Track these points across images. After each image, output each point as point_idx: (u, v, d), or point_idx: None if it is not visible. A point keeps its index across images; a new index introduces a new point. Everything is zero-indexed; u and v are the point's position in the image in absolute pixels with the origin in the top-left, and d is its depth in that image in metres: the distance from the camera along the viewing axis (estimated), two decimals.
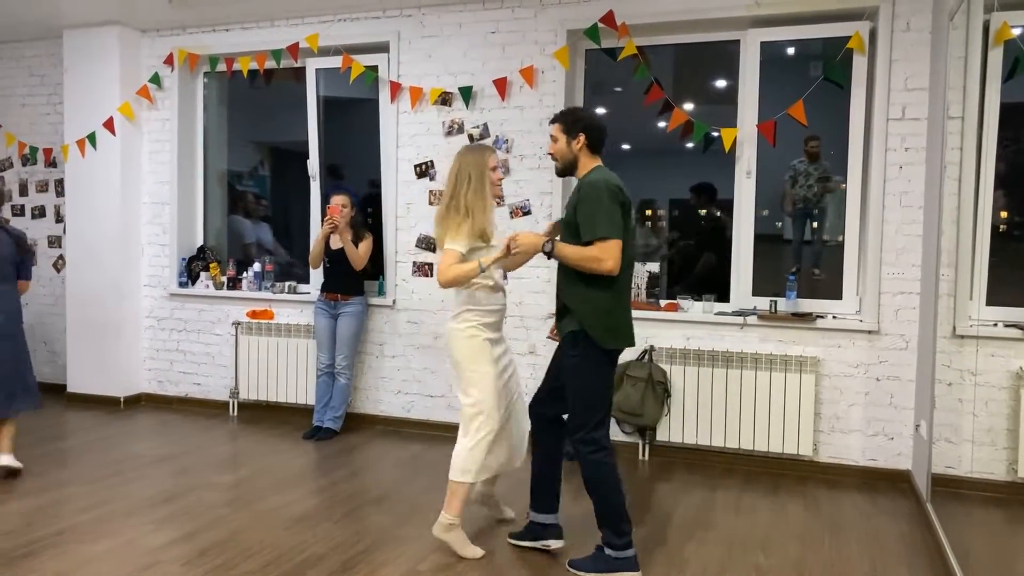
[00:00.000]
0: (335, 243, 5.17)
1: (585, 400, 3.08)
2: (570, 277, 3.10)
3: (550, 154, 3.26)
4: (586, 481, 3.10)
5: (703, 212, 5.92)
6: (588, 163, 3.18)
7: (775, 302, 4.68)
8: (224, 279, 5.99)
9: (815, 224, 5.76)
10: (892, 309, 4.43)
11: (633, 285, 5.06)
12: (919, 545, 3.54)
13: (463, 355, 3.29)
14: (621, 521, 3.05)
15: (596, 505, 3.09)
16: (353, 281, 5.25)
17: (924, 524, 3.79)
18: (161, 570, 3.09)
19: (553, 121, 3.24)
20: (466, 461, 3.28)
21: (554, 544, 3.34)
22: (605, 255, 2.94)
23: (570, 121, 3.17)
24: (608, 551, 3.07)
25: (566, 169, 3.23)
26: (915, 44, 4.33)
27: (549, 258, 3.11)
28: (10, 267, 4.31)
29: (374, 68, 5.44)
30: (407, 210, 5.42)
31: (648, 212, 6.09)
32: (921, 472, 4.06)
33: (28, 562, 3.15)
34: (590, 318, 3.03)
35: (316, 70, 5.69)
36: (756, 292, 4.86)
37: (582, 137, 3.14)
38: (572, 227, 3.07)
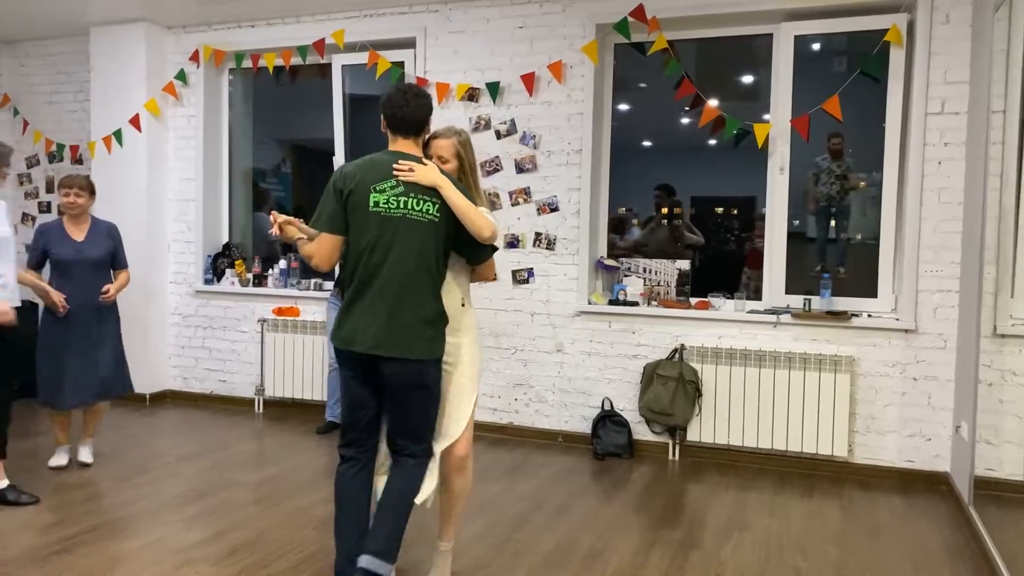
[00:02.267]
0: None
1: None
2: None
3: None
4: None
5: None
6: (388, 146, 2.83)
7: (809, 300, 4.60)
8: (250, 276, 5.98)
9: (842, 222, 5.67)
10: (930, 307, 4.34)
11: (662, 283, 5.01)
12: (962, 549, 3.45)
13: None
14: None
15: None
16: None
17: (966, 527, 3.70)
18: (193, 569, 3.07)
19: None
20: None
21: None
22: (313, 250, 2.72)
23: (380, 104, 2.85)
24: None
25: None
26: (955, 37, 4.23)
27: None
28: (106, 263, 4.32)
29: (400, 64, 5.40)
30: None
31: (676, 210, 6.01)
32: (962, 474, 3.97)
33: (62, 559, 3.13)
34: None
35: (342, 66, 5.66)
36: (786, 291, 4.79)
37: (383, 120, 2.82)
38: None
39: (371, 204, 2.64)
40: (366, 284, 2.66)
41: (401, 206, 2.64)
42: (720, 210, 7.31)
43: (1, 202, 3.78)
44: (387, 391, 2.70)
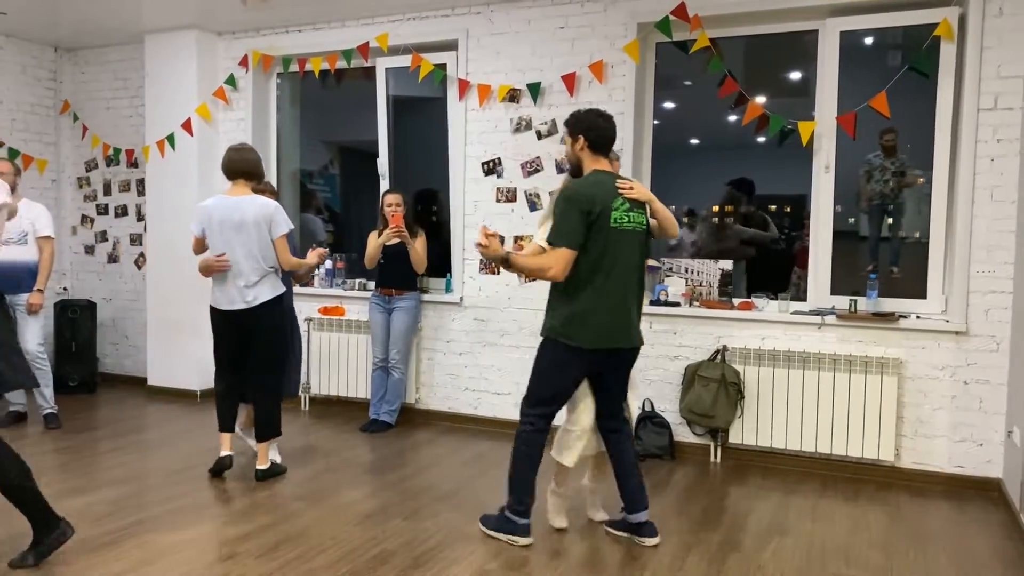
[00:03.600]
0: (391, 240, 5.20)
1: (534, 382, 3.33)
2: (555, 287, 3.25)
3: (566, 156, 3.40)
4: (513, 449, 3.35)
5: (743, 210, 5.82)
6: (589, 165, 3.26)
7: (855, 301, 4.51)
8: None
9: (891, 220, 5.54)
10: (982, 309, 4.21)
11: (704, 283, 4.96)
12: (1013, 558, 3.35)
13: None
14: (525, 493, 3.32)
15: (511, 472, 3.35)
16: (408, 276, 5.31)
17: (1018, 536, 3.59)
18: (238, 562, 3.15)
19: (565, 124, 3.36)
20: (560, 443, 3.50)
21: (648, 541, 3.38)
22: (551, 263, 3.09)
23: (571, 123, 3.27)
24: (508, 514, 3.36)
25: (574, 171, 3.34)
26: (1009, 30, 4.10)
27: (506, 267, 3.25)
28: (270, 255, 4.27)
29: (443, 66, 5.45)
30: (474, 207, 5.42)
31: (728, 208, 5.96)
32: (1014, 481, 3.85)
33: (112, 550, 3.25)
34: (555, 322, 3.21)
35: (386, 69, 5.74)
36: (833, 291, 4.70)
37: (581, 139, 3.23)
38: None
39: (612, 221, 3.13)
40: (608, 290, 3.15)
41: (628, 220, 3.17)
42: (773, 208, 7.21)
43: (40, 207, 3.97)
44: (613, 377, 3.32)
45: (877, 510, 3.93)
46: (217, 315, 4.17)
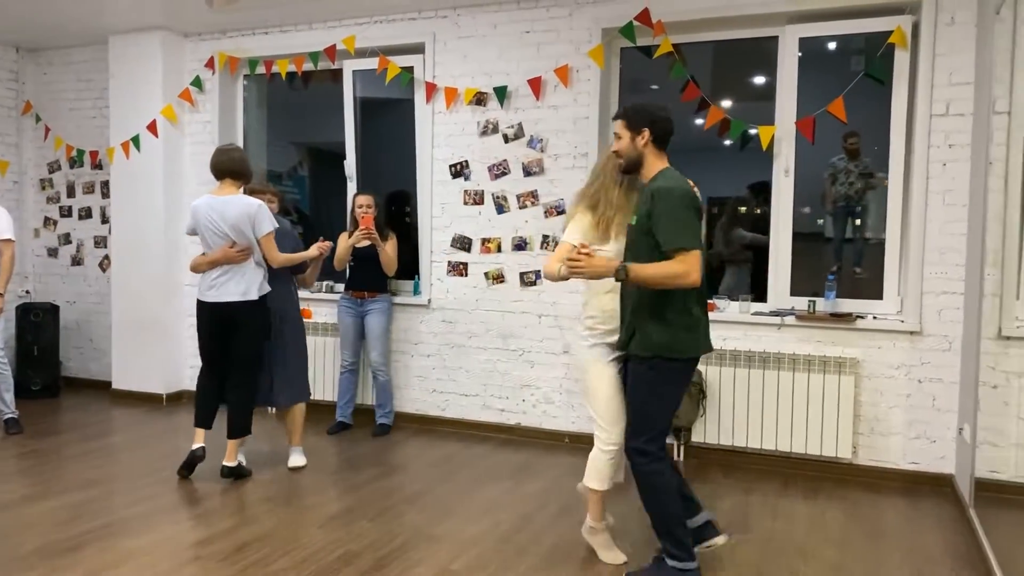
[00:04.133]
0: (361, 242, 5.20)
1: (649, 410, 2.97)
2: (650, 297, 2.90)
3: (615, 152, 3.06)
4: (641, 491, 3.02)
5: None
6: (655, 163, 2.97)
7: (813, 302, 4.61)
8: None
9: (858, 221, 5.67)
10: (935, 310, 4.33)
11: None
12: (962, 552, 3.46)
13: (581, 365, 3.24)
14: (685, 534, 2.99)
15: (656, 518, 3.02)
16: (379, 279, 5.32)
17: (967, 530, 3.70)
18: (201, 565, 3.16)
19: (616, 117, 3.05)
20: (594, 469, 3.23)
21: (719, 540, 3.22)
22: (689, 267, 2.76)
23: (632, 116, 2.97)
24: (670, 562, 2.98)
25: (631, 167, 3.03)
26: (960, 38, 4.22)
27: (624, 282, 2.87)
28: (288, 267, 4.36)
29: (410, 69, 5.48)
30: (442, 210, 5.45)
31: (742, 209, 6.08)
32: (964, 477, 3.96)
33: (74, 555, 3.23)
34: (666, 338, 2.88)
35: (353, 72, 5.75)
36: (796, 291, 4.80)
37: (647, 133, 2.93)
38: (646, 236, 2.88)
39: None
40: (703, 291, 2.95)
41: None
42: (743, 209, 7.33)
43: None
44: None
45: (835, 507, 4.03)
46: (201, 308, 4.22)
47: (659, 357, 2.89)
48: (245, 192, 4.34)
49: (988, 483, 3.87)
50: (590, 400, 3.22)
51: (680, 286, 2.80)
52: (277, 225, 4.21)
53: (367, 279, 5.32)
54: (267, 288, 4.25)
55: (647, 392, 2.95)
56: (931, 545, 3.54)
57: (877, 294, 4.63)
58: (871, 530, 3.71)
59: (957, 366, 4.28)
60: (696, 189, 2.99)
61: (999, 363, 3.98)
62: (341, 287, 5.83)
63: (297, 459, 4.53)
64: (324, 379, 5.74)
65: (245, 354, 4.21)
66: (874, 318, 4.50)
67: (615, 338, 3.14)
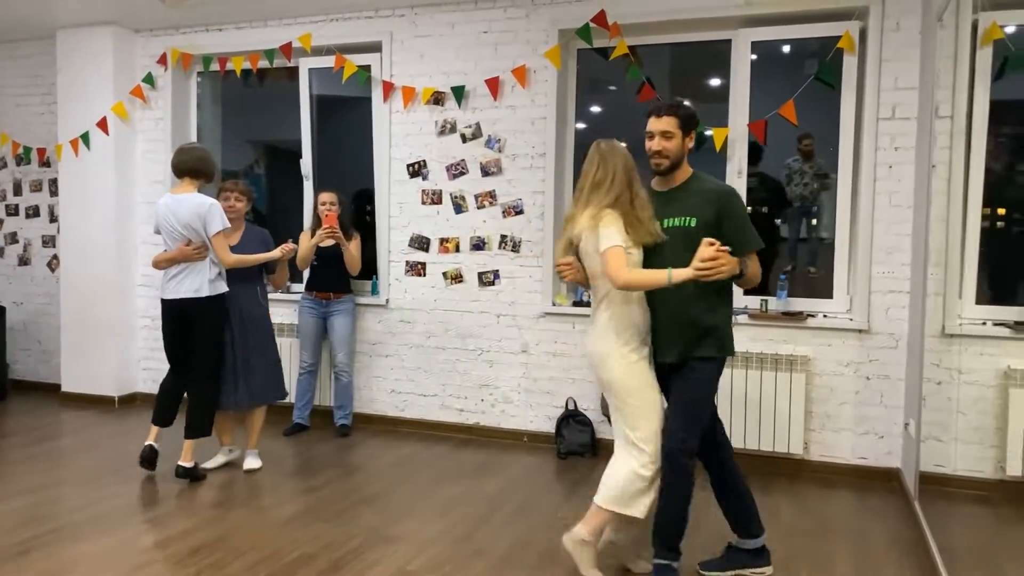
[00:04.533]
0: (324, 241, 5.14)
1: (699, 410, 2.96)
2: (707, 294, 2.89)
3: (656, 151, 2.94)
4: (671, 493, 2.96)
5: None
6: (686, 166, 3.03)
7: (766, 301, 4.70)
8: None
9: (814, 221, 5.78)
10: (882, 308, 4.45)
11: None
12: (906, 543, 3.56)
13: (627, 383, 2.93)
14: (681, 532, 3.06)
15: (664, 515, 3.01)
16: (343, 279, 5.27)
17: (912, 522, 3.81)
18: (154, 569, 3.11)
19: (664, 113, 2.94)
20: (624, 493, 2.96)
21: (767, 571, 3.17)
22: (758, 267, 2.99)
23: (686, 116, 2.94)
24: (659, 560, 3.01)
25: (672, 168, 2.98)
26: (905, 44, 4.34)
27: (738, 280, 2.93)
28: (255, 268, 4.38)
29: (367, 68, 5.45)
30: (400, 209, 5.43)
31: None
32: (910, 470, 4.08)
33: (20, 561, 3.16)
34: (725, 332, 2.97)
35: (309, 70, 5.70)
36: (751, 290, 4.88)
37: (692, 136, 3.00)
38: (696, 238, 2.77)
39: None
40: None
41: None
42: None
43: None
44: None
45: (785, 502, 4.11)
46: (162, 306, 4.25)
47: (724, 355, 2.95)
48: (219, 190, 4.35)
49: (933, 476, 4.00)
50: (635, 419, 2.92)
51: (754, 285, 3.03)
52: (228, 224, 4.16)
53: (331, 279, 5.26)
54: (222, 287, 4.20)
55: (707, 391, 2.97)
56: (877, 537, 3.64)
57: (828, 293, 4.73)
58: (818, 524, 3.80)
59: (903, 363, 4.40)
60: None
61: (943, 360, 4.11)
62: (299, 287, 5.78)
63: (252, 462, 4.48)
64: (294, 381, 5.66)
65: (200, 352, 4.19)
66: (824, 316, 4.60)
67: (647, 350, 2.99)
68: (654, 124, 2.95)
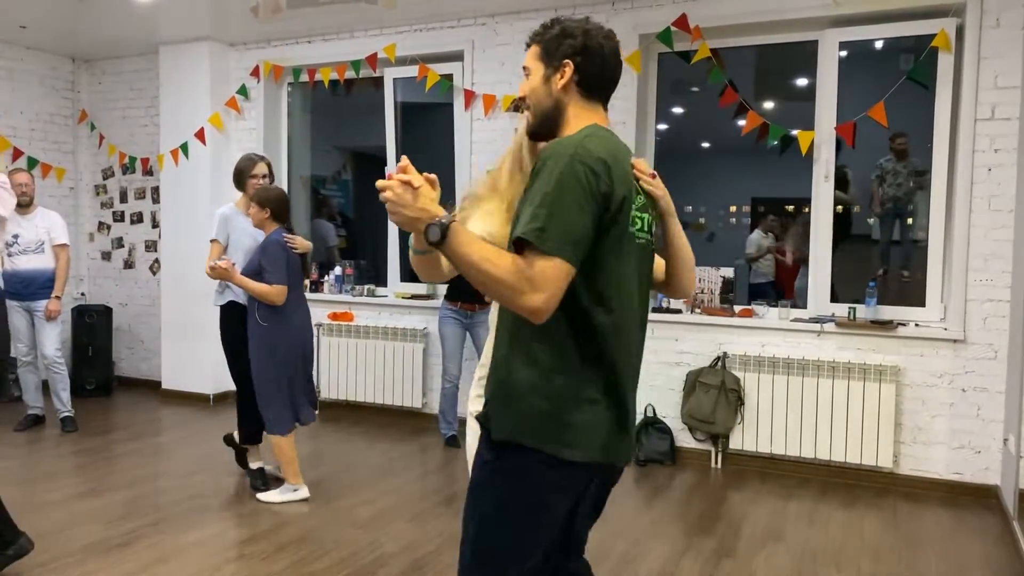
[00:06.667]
0: None
1: (484, 539, 1.73)
2: (507, 334, 1.75)
3: (520, 99, 1.86)
4: None
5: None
6: (581, 115, 1.75)
7: (854, 309, 4.56)
8: (307, 282, 6.19)
9: (909, 220, 5.58)
10: (980, 317, 4.25)
11: (704, 290, 5.01)
12: (1003, 565, 3.39)
13: None
14: None
15: None
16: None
17: (1010, 542, 3.63)
18: (244, 564, 3.26)
19: (529, 43, 1.81)
20: None
21: None
22: (535, 284, 1.52)
23: (549, 39, 1.75)
24: None
25: (543, 124, 1.79)
26: (1006, 41, 4.13)
27: (437, 245, 1.59)
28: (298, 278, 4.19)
29: (449, 76, 5.54)
30: None
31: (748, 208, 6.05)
32: (1009, 488, 3.88)
33: (123, 551, 3.37)
34: (524, 408, 1.65)
35: (393, 79, 5.84)
36: (843, 293, 4.75)
37: (569, 68, 1.72)
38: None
39: (631, 222, 1.71)
40: (622, 347, 1.75)
41: (642, 228, 1.76)
42: (791, 208, 7.26)
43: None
44: (595, 510, 1.91)
45: (873, 516, 3.98)
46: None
47: (503, 444, 1.68)
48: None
49: None
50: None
51: (508, 305, 1.59)
52: (217, 239, 4.31)
53: (474, 289, 5.13)
54: (231, 297, 4.41)
55: (477, 506, 1.77)
56: (971, 556, 3.48)
57: (920, 301, 4.55)
58: (909, 540, 3.66)
59: (1003, 375, 4.19)
60: (642, 163, 1.79)
61: None
62: (383, 291, 5.91)
63: (272, 495, 4.06)
64: (366, 381, 5.83)
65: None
66: (916, 325, 4.42)
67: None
68: None
